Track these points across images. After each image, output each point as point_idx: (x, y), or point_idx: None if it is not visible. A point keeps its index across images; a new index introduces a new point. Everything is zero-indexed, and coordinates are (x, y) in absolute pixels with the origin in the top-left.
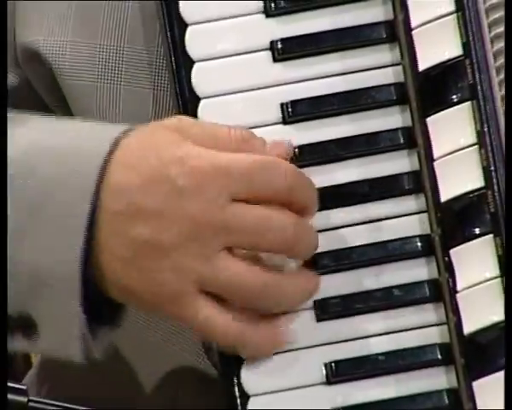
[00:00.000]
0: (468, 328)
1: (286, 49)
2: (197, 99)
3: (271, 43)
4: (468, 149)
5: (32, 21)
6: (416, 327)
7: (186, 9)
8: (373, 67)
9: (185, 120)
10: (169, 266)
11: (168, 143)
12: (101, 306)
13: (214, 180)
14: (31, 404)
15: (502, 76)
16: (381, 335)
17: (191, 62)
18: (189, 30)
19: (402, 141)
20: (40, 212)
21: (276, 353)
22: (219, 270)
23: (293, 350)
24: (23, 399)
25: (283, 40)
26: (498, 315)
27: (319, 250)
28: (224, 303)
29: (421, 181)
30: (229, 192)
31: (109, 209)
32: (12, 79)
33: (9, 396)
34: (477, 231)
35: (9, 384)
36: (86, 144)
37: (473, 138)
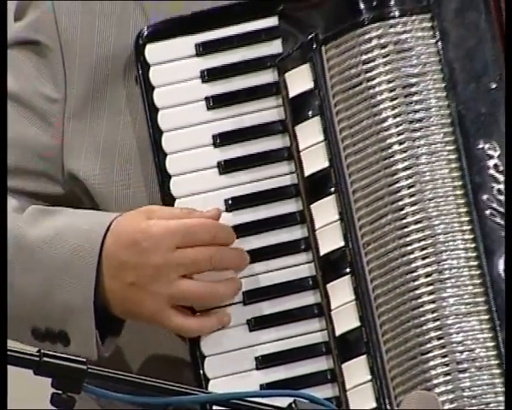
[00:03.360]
0: (339, 331)
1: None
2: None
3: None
4: (335, 224)
5: (73, 152)
6: (310, 332)
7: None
8: (279, 174)
9: (152, 207)
10: (148, 296)
11: (139, 221)
12: (108, 324)
13: (166, 239)
14: (90, 371)
15: (351, 179)
16: (288, 338)
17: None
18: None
19: (298, 219)
20: (65, 272)
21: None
22: (180, 289)
23: (237, 350)
24: (83, 367)
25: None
26: (355, 323)
27: (247, 288)
28: (187, 311)
29: (309, 243)
30: (177, 244)
31: (108, 266)
32: (59, 189)
33: (72, 365)
34: (341, 272)
35: (72, 357)
36: (89, 227)
37: (337, 217)
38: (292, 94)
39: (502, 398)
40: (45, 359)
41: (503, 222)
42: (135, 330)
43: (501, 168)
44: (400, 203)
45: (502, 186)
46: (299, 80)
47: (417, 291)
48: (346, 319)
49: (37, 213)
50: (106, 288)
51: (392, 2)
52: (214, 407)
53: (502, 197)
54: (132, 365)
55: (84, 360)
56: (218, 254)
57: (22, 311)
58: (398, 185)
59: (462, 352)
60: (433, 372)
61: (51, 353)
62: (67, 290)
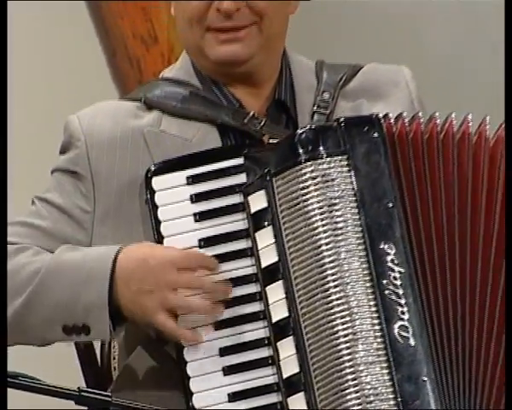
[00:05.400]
0: (285, 375)
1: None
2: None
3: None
4: (282, 300)
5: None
6: (266, 376)
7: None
8: (245, 266)
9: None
10: (148, 300)
11: (147, 246)
12: (118, 317)
13: (168, 262)
14: (114, 401)
15: (293, 269)
16: (251, 380)
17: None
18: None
19: (258, 297)
20: (88, 281)
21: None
22: (173, 299)
23: (215, 388)
24: (109, 399)
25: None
26: (296, 369)
27: (222, 345)
28: (174, 318)
29: (265, 314)
30: (175, 267)
31: (120, 276)
32: None
33: (101, 397)
34: (286, 334)
35: (102, 392)
36: (100, 253)
37: (284, 295)
38: (253, 210)
39: None
40: (82, 393)
41: (397, 299)
42: (147, 385)
43: (396, 262)
44: (327, 286)
45: (397, 274)
46: (258, 201)
47: (338, 347)
48: (290, 367)
49: (69, 247)
50: (118, 292)
51: (321, 148)
52: None
53: (396, 282)
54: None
55: (110, 393)
56: (204, 280)
57: (55, 314)
58: (325, 273)
59: (369, 389)
60: (350, 403)
61: (86, 389)
62: (90, 294)
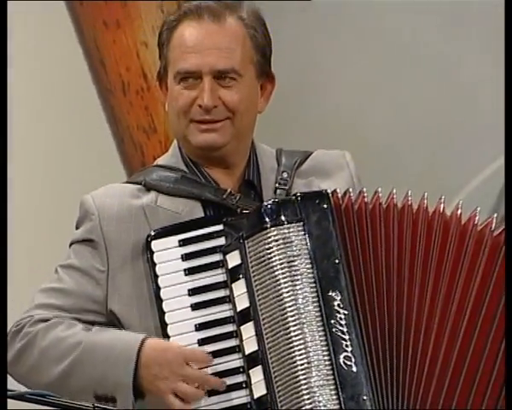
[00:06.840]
0: (256, 395)
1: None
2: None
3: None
4: (253, 337)
5: (112, 301)
6: (241, 397)
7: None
8: (224, 310)
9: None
10: (162, 384)
11: (169, 344)
12: (139, 393)
13: (180, 358)
14: None
15: (261, 312)
16: (230, 400)
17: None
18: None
19: (234, 335)
20: (116, 364)
21: None
22: (179, 387)
23: (203, 406)
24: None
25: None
26: (264, 391)
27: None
28: (179, 398)
29: (240, 347)
30: (186, 361)
31: (143, 363)
32: (104, 320)
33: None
34: (257, 363)
35: (111, 408)
36: (128, 340)
37: (254, 333)
38: (230, 266)
39: None
40: (96, 408)
41: (342, 335)
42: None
43: (341, 305)
44: (287, 325)
45: (342, 315)
46: (234, 259)
47: (296, 373)
48: (259, 389)
49: (100, 329)
50: (140, 374)
51: (282, 217)
52: None
53: (342, 321)
54: None
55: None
56: (204, 377)
57: (89, 384)
58: (286, 315)
59: (321, 407)
60: None
61: (101, 405)
62: (118, 374)
